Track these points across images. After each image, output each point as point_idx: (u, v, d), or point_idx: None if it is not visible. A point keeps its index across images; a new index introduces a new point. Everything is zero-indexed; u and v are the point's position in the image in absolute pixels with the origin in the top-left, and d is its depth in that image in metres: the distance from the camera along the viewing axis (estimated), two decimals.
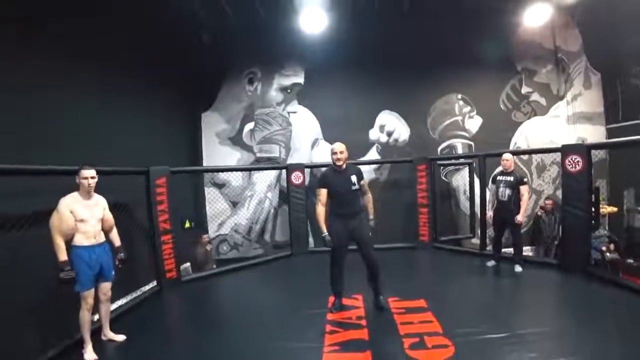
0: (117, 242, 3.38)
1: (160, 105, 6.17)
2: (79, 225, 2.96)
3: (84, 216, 2.99)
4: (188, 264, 6.47)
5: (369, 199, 3.86)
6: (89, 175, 3.05)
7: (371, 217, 3.85)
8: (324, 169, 6.88)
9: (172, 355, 3.16)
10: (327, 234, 3.61)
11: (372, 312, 3.69)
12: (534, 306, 3.89)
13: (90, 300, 3.02)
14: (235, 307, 4.36)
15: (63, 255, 2.85)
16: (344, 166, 3.68)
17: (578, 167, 4.56)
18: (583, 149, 4.56)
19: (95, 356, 3.00)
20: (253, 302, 4.44)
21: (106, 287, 3.21)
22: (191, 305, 4.52)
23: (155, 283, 4.87)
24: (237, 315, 4.02)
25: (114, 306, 3.89)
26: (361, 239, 3.66)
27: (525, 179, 4.77)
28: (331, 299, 3.92)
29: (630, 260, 5.84)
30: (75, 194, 3.04)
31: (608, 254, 5.84)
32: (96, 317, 3.37)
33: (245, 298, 4.70)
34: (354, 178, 3.63)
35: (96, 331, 3.31)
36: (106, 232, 3.26)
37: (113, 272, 3.24)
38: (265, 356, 3.00)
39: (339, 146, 3.69)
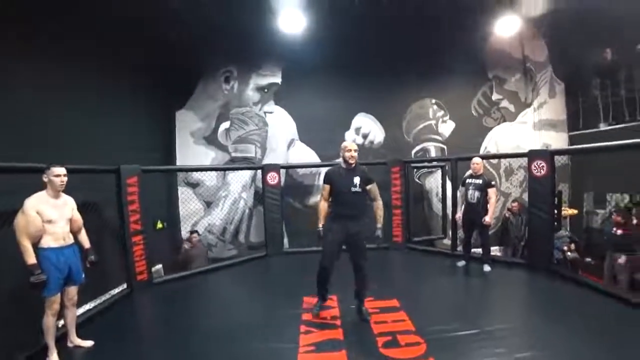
0: (86, 243, 3.24)
1: (132, 103, 6.03)
2: (46, 227, 2.81)
3: (52, 217, 2.84)
4: (160, 265, 6.31)
5: (378, 205, 3.65)
6: (62, 173, 2.91)
7: (379, 225, 3.65)
8: (303, 170, 7.10)
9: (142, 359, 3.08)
10: (320, 228, 3.53)
11: (346, 312, 3.72)
12: (502, 304, 4.06)
13: (56, 306, 2.87)
14: (208, 309, 4.28)
15: (32, 259, 2.71)
16: (353, 166, 3.52)
17: (543, 172, 4.77)
18: (547, 155, 4.78)
19: None
20: (226, 304, 4.39)
21: (73, 291, 3.06)
22: (162, 308, 4.41)
23: (125, 286, 4.71)
24: (210, 318, 3.93)
25: (81, 310, 3.76)
26: (355, 245, 3.52)
27: (493, 182, 4.96)
28: (308, 299, 3.93)
29: (589, 259, 6.19)
30: (41, 194, 2.88)
31: (569, 253, 6.13)
32: (61, 322, 3.22)
33: (218, 300, 4.65)
34: (357, 180, 3.46)
35: (62, 338, 3.16)
36: (74, 233, 3.12)
37: (83, 275, 3.11)
38: (240, 356, 2.97)
39: (352, 144, 3.55)
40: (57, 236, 2.88)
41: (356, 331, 3.32)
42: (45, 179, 2.88)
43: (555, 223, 4.93)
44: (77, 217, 3.14)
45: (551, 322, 3.28)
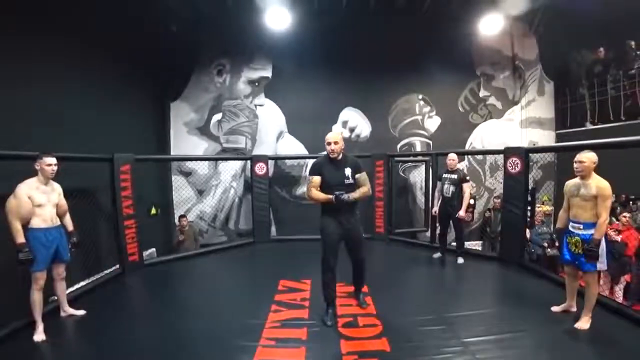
0: (70, 226, 3.50)
1: (129, 94, 6.21)
2: (36, 210, 3.08)
3: (41, 201, 3.11)
4: (153, 249, 6.59)
5: (363, 189, 3.33)
6: (52, 162, 3.17)
7: (353, 194, 3.25)
8: (291, 161, 7.32)
9: (128, 329, 3.34)
10: (336, 193, 3.16)
11: (317, 295, 3.91)
12: (466, 294, 4.23)
13: (42, 282, 3.11)
14: (191, 289, 4.52)
15: (21, 238, 2.97)
16: (339, 157, 3.31)
17: (517, 169, 4.91)
18: (522, 152, 4.90)
19: (44, 337, 3.08)
20: (209, 285, 4.66)
21: (60, 267, 3.35)
22: (150, 286, 4.67)
23: (118, 266, 4.95)
24: (191, 296, 4.21)
25: (77, 286, 4.12)
26: (354, 240, 3.43)
27: (467, 177, 5.12)
28: (284, 282, 4.15)
29: None
30: (32, 180, 3.13)
31: (549, 249, 6.26)
32: (54, 298, 3.52)
33: (202, 280, 4.88)
34: (348, 171, 3.27)
35: (55, 310, 3.47)
36: (60, 216, 3.39)
37: (69, 254, 3.39)
38: (209, 332, 3.21)
39: (333, 136, 3.27)
40: (44, 218, 3.14)
41: (321, 312, 3.51)
42: (37, 167, 3.13)
43: (529, 220, 5.07)
44: (63, 202, 3.41)
45: (508, 312, 3.46)
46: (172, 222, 7.26)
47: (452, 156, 5.11)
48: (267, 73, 7.56)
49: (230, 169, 7.47)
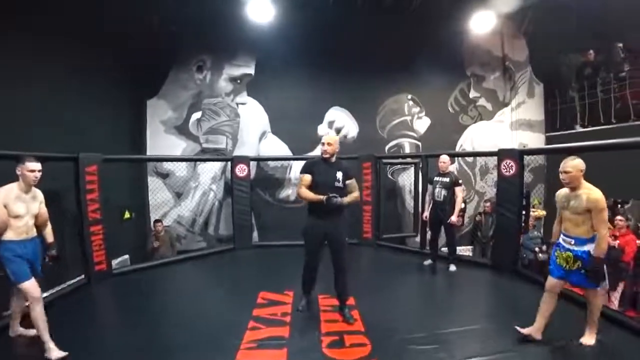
0: (50, 237, 3.14)
1: (102, 90, 5.87)
2: (11, 221, 2.72)
3: (19, 212, 2.75)
4: (127, 256, 6.18)
5: (353, 194, 3.43)
6: (36, 168, 2.81)
7: (345, 198, 3.30)
8: (274, 163, 7.00)
9: (87, 345, 2.97)
10: (327, 195, 3.16)
11: (307, 304, 3.63)
12: (459, 306, 3.95)
13: (37, 293, 2.77)
14: (163, 301, 4.15)
15: None
16: (332, 160, 3.37)
17: (512, 171, 4.70)
18: (516, 154, 4.70)
19: (63, 353, 2.74)
20: (183, 296, 4.28)
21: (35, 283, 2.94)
22: (117, 299, 4.31)
23: (83, 276, 4.56)
24: (163, 309, 3.82)
25: None
26: (336, 243, 3.38)
27: (460, 181, 4.88)
28: (264, 295, 3.88)
29: None
30: (12, 187, 2.76)
31: (540, 254, 6.10)
32: (5, 313, 3.16)
33: (176, 291, 4.53)
34: (339, 175, 3.32)
35: (3, 328, 3.07)
36: (39, 226, 3.02)
37: (40, 269, 2.98)
38: (180, 349, 2.87)
39: (329, 137, 3.38)
40: (20, 230, 2.78)
41: (304, 329, 3.22)
42: (18, 172, 2.77)
43: (523, 224, 4.86)
44: (44, 211, 3.03)
45: (505, 327, 3.13)
46: (148, 226, 6.84)
47: (444, 158, 4.87)
48: (250, 70, 7.22)
49: (210, 170, 7.08)
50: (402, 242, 6.83)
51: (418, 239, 6.66)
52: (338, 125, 7.30)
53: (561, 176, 2.73)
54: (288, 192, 7.28)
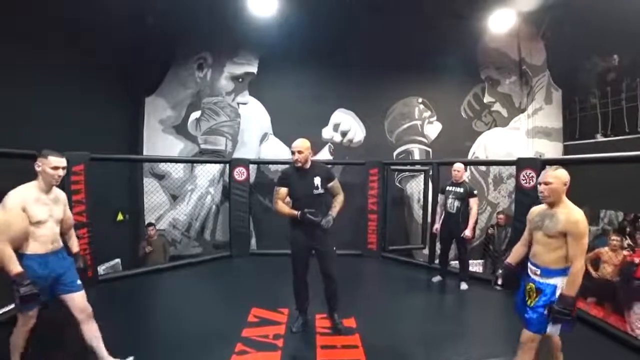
0: (75, 247, 2.69)
1: (99, 86, 5.62)
2: (33, 229, 2.27)
3: (41, 217, 2.29)
4: (118, 260, 5.88)
5: (338, 199, 3.24)
6: (61, 165, 2.35)
7: (331, 212, 3.13)
8: (275, 166, 6.65)
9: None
10: (303, 211, 3.00)
11: (302, 325, 3.26)
12: (473, 332, 3.55)
13: (33, 320, 2.33)
14: (147, 313, 3.83)
15: (16, 266, 2.15)
16: (307, 166, 3.12)
17: (532, 183, 4.30)
18: (538, 164, 4.30)
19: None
20: (169, 309, 3.91)
21: (78, 299, 2.45)
22: (100, 310, 3.84)
23: None
24: (146, 323, 3.50)
25: (12, 306, 3.18)
26: (322, 253, 3.17)
27: (475, 191, 4.48)
28: (256, 311, 3.50)
29: None
30: (30, 187, 2.32)
31: None
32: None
33: (162, 303, 4.19)
34: (317, 180, 3.09)
35: None
36: (63, 234, 2.57)
37: (79, 281, 2.50)
38: None
39: (298, 144, 3.08)
40: (44, 240, 2.32)
41: (298, 356, 2.84)
42: (37, 168, 2.32)
43: None
44: (69, 214, 2.62)
45: None
46: (142, 229, 6.51)
47: (459, 166, 4.47)
48: (252, 68, 6.88)
49: (208, 172, 6.74)
50: (409, 254, 6.43)
51: (426, 251, 6.28)
52: (344, 128, 6.93)
53: (539, 188, 2.28)
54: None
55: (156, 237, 6.02)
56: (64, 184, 4.04)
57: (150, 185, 6.73)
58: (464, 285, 4.49)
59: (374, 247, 5.85)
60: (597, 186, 6.02)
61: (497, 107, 7.34)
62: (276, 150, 6.88)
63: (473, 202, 4.39)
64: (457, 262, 4.82)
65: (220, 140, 6.85)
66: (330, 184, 3.19)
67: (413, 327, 3.58)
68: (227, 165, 5.89)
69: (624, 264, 4.71)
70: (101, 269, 5.07)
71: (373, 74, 6.77)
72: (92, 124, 5.33)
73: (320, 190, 3.10)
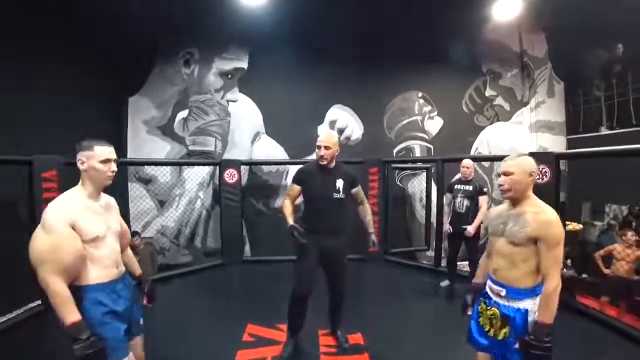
0: (137, 268, 2.11)
1: (78, 84, 5.22)
2: (91, 250, 1.66)
3: (98, 231, 1.69)
4: None
5: (367, 210, 2.99)
6: (112, 157, 1.77)
7: (371, 230, 2.97)
8: (268, 168, 6.30)
9: None
10: (293, 224, 2.64)
11: (294, 350, 2.89)
12: None
13: None
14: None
15: (74, 314, 1.54)
16: (332, 165, 2.74)
17: (546, 179, 4.00)
18: (552, 159, 4.00)
19: None
20: (152, 327, 3.50)
21: (139, 345, 1.94)
22: None
23: (40, 302, 3.80)
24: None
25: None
26: (334, 266, 2.83)
27: (485, 189, 4.17)
28: (253, 328, 3.15)
29: (585, 276, 5.56)
30: (74, 194, 1.72)
31: (565, 270, 5.44)
32: None
33: (147, 321, 3.76)
34: (340, 183, 2.72)
35: None
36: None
37: (142, 321, 1.97)
38: None
39: (325, 138, 2.69)
40: (107, 263, 1.72)
41: None
42: (81, 167, 1.72)
43: None
44: (125, 227, 2.00)
45: None
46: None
47: (468, 163, 4.17)
48: (243, 64, 6.50)
49: (197, 176, 6.33)
50: (412, 257, 6.10)
51: (429, 253, 5.97)
52: (341, 125, 6.59)
53: (498, 181, 1.84)
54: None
55: (142, 246, 5.61)
56: (33, 193, 3.77)
57: (136, 190, 6.32)
58: None
59: (377, 251, 5.52)
60: (601, 180, 5.83)
61: (499, 101, 7.06)
62: (269, 150, 6.51)
63: (483, 201, 4.10)
64: (466, 262, 4.50)
65: (209, 141, 6.45)
66: (354, 190, 2.87)
67: (427, 342, 3.23)
68: (217, 168, 5.54)
69: None
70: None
71: (371, 68, 6.46)
72: (70, 126, 4.89)
73: (342, 195, 2.73)
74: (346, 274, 2.90)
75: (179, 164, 6.36)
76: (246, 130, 6.53)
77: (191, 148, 6.43)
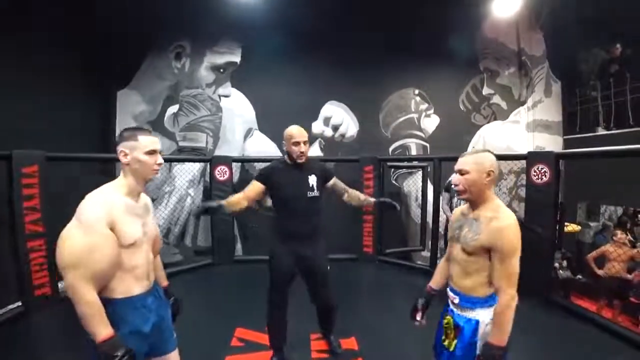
0: (163, 278, 1.88)
1: (64, 78, 5.07)
2: (125, 257, 1.45)
3: (136, 235, 1.48)
4: None
5: (354, 192, 2.70)
6: (158, 147, 1.57)
7: (371, 199, 2.76)
8: (261, 164, 6.11)
9: None
10: (215, 204, 2.29)
11: (286, 356, 2.76)
12: None
13: None
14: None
15: (107, 328, 1.35)
16: (304, 161, 2.48)
17: (545, 179, 3.93)
18: (551, 158, 3.93)
19: None
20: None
21: None
22: (61, 333, 3.38)
23: (20, 303, 3.68)
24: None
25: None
26: (313, 273, 2.55)
27: None
28: (242, 332, 3.01)
29: (579, 276, 5.51)
30: (114, 189, 1.50)
31: (561, 271, 5.40)
32: None
33: None
34: (313, 180, 2.47)
35: None
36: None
37: (175, 334, 1.78)
38: None
39: (301, 132, 2.46)
40: (139, 273, 1.51)
41: None
42: (124, 159, 1.51)
43: (556, 241, 4.07)
44: (158, 231, 1.77)
45: None
46: None
47: None
48: (235, 58, 6.32)
49: (187, 172, 6.16)
50: (407, 257, 5.99)
51: (424, 253, 5.86)
52: (335, 122, 6.44)
53: (452, 180, 1.69)
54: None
55: None
56: (12, 189, 3.59)
57: None
58: None
59: (370, 251, 5.41)
60: (597, 180, 5.78)
61: (496, 99, 6.97)
62: (262, 146, 6.36)
63: None
64: None
65: (200, 137, 6.28)
66: (330, 182, 2.61)
67: (423, 346, 3.10)
68: (208, 164, 5.38)
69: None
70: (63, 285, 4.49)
71: (366, 64, 6.29)
72: (55, 120, 4.76)
73: (316, 193, 2.48)
74: (329, 281, 2.61)
75: (168, 160, 6.17)
76: (238, 126, 6.36)
77: (181, 144, 6.25)
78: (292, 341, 2.79)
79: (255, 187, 2.46)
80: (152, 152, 1.53)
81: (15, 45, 4.28)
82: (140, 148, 1.50)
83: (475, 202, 1.59)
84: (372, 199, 2.76)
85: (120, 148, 1.50)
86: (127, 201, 1.49)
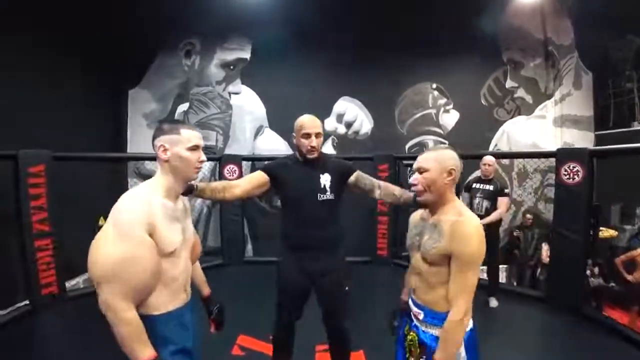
0: (205, 286, 1.75)
1: (76, 78, 5.14)
2: (166, 267, 1.29)
3: (176, 241, 1.33)
4: None
5: (385, 185, 2.15)
6: (201, 142, 1.39)
7: (404, 192, 2.07)
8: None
9: None
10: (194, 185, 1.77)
11: None
12: None
13: None
14: (114, 342, 3.16)
15: (149, 348, 1.21)
16: (317, 158, 2.06)
17: (577, 179, 3.62)
18: (585, 156, 3.60)
19: None
20: None
21: None
22: (68, 332, 3.41)
23: (27, 302, 3.75)
24: (111, 351, 2.83)
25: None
26: (327, 297, 2.15)
27: (506, 190, 3.76)
28: (244, 339, 2.95)
29: (612, 284, 5.13)
30: (152, 189, 1.31)
31: (592, 279, 5.03)
32: None
33: None
34: (326, 179, 2.03)
35: None
36: None
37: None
38: None
39: (314, 122, 2.04)
40: (177, 285, 1.36)
41: None
42: (163, 155, 1.33)
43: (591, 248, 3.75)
44: (196, 237, 1.60)
45: None
46: None
47: (489, 159, 3.79)
48: (245, 54, 6.23)
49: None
50: None
51: None
52: (348, 118, 6.27)
53: (410, 180, 1.49)
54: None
55: None
56: (19, 189, 3.59)
57: (135, 186, 6.13)
58: (493, 302, 3.79)
59: (385, 254, 5.23)
60: (631, 180, 5.37)
61: (520, 92, 6.62)
62: (272, 144, 6.27)
63: (501, 202, 3.67)
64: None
65: (210, 135, 6.23)
66: (352, 179, 2.11)
67: None
68: (217, 163, 5.31)
69: None
70: (71, 284, 4.50)
71: (381, 57, 6.07)
72: (67, 120, 4.83)
73: (330, 196, 2.03)
74: (344, 307, 2.20)
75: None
76: (248, 124, 6.30)
77: None
78: (296, 353, 2.60)
79: (255, 177, 2.07)
80: (195, 148, 1.34)
81: (33, 48, 4.32)
82: (183, 142, 1.32)
83: (435, 205, 1.44)
84: (411, 193, 2.03)
85: (159, 142, 1.32)
86: (165, 203, 1.30)
